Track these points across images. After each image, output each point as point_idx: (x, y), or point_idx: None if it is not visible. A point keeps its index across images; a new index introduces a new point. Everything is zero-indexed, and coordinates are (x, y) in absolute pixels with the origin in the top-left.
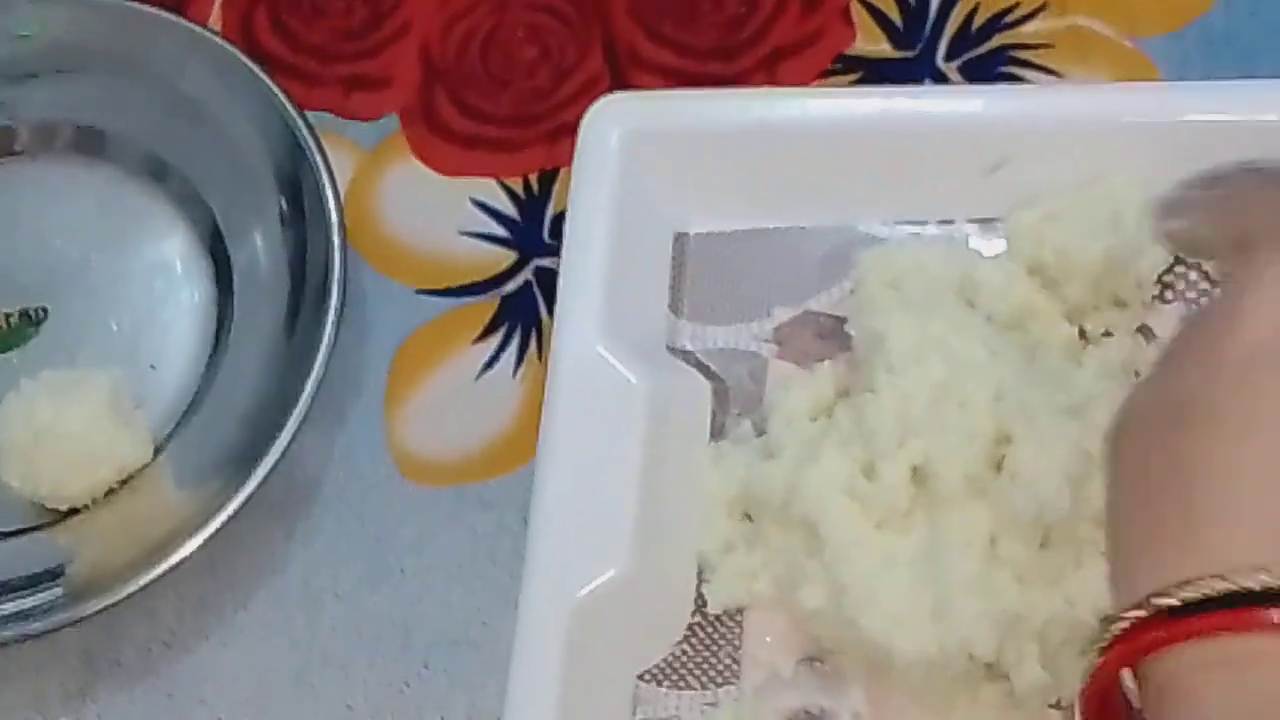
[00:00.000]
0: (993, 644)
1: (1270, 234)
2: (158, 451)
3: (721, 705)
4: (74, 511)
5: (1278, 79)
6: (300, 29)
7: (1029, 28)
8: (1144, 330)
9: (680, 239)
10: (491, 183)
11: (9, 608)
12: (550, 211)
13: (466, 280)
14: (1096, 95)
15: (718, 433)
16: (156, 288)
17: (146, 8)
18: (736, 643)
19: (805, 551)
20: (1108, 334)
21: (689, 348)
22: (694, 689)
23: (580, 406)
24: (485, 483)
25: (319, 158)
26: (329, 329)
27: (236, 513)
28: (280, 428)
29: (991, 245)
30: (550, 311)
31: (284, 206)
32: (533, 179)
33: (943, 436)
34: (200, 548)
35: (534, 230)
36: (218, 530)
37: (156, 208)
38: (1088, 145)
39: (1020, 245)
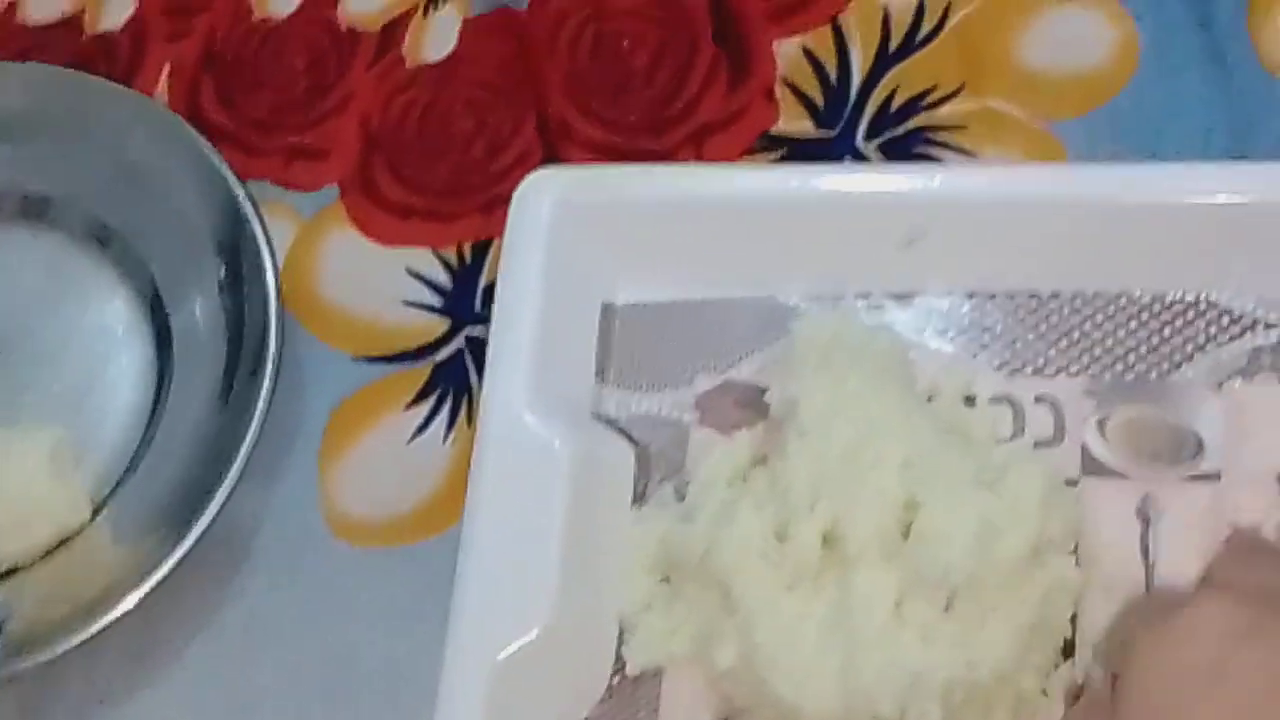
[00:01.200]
0: (896, 702)
1: None
2: (95, 511)
3: None
4: (11, 571)
5: (1180, 162)
6: (243, 100)
7: (944, 110)
8: (1047, 399)
9: (608, 309)
10: (427, 252)
11: None
12: (483, 281)
13: (401, 347)
14: (1005, 174)
15: (640, 497)
16: (98, 350)
17: (94, 77)
18: (655, 703)
19: (720, 611)
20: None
21: (614, 415)
22: None
23: (506, 471)
24: (416, 544)
25: (258, 226)
26: (264, 391)
27: (172, 570)
28: (215, 487)
29: (907, 319)
30: (481, 379)
31: (223, 272)
32: (466, 249)
33: (852, 498)
34: (136, 605)
35: (466, 299)
36: (154, 588)
37: (100, 272)
38: (997, 221)
39: None
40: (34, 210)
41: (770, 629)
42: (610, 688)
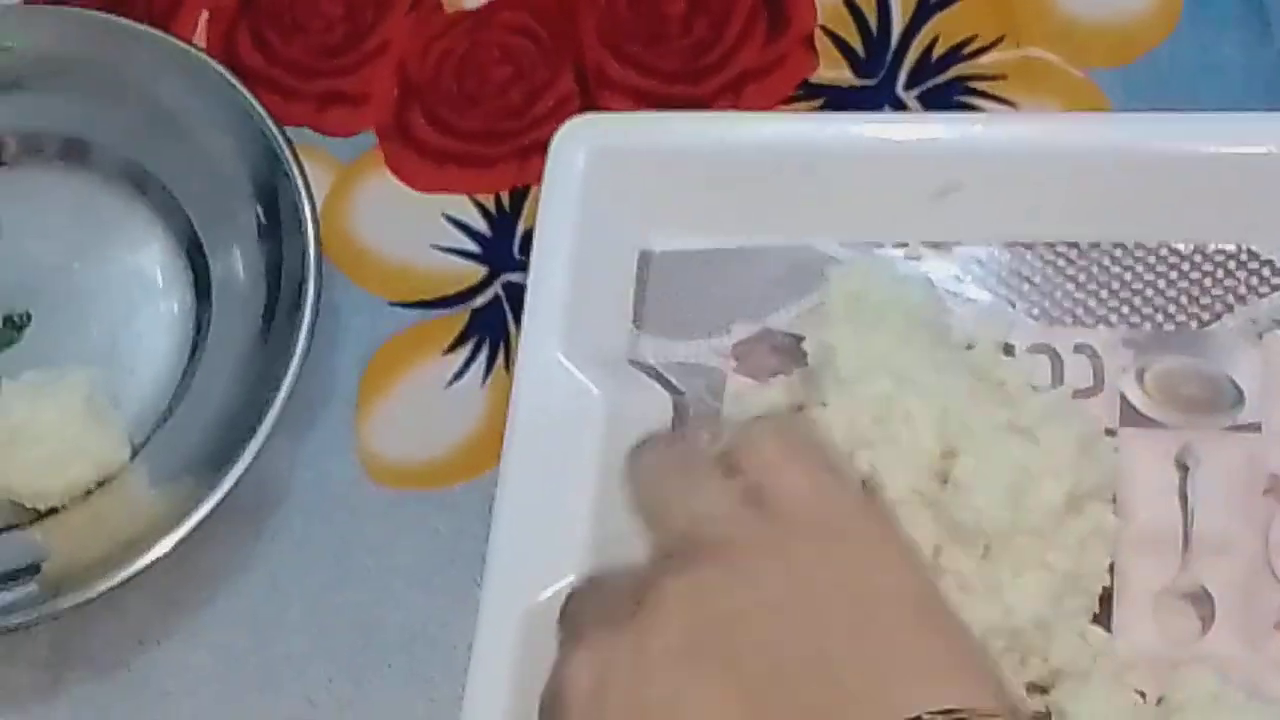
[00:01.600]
0: None
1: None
2: (134, 453)
3: None
4: (50, 510)
5: (1221, 112)
6: (280, 45)
7: (985, 59)
8: (1085, 349)
9: (644, 256)
10: (464, 199)
11: None
12: (520, 228)
13: (438, 293)
14: (1045, 123)
15: None
16: (136, 294)
17: (129, 22)
18: None
19: None
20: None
21: (650, 361)
22: None
23: (543, 416)
24: (450, 488)
25: (296, 171)
26: (302, 337)
27: (209, 514)
28: (253, 432)
29: (944, 267)
30: (518, 325)
31: (261, 218)
32: (504, 196)
33: (889, 449)
34: (171, 549)
35: (504, 246)
36: (190, 531)
37: (137, 217)
38: (1036, 172)
39: None
40: (72, 153)
41: None
42: None
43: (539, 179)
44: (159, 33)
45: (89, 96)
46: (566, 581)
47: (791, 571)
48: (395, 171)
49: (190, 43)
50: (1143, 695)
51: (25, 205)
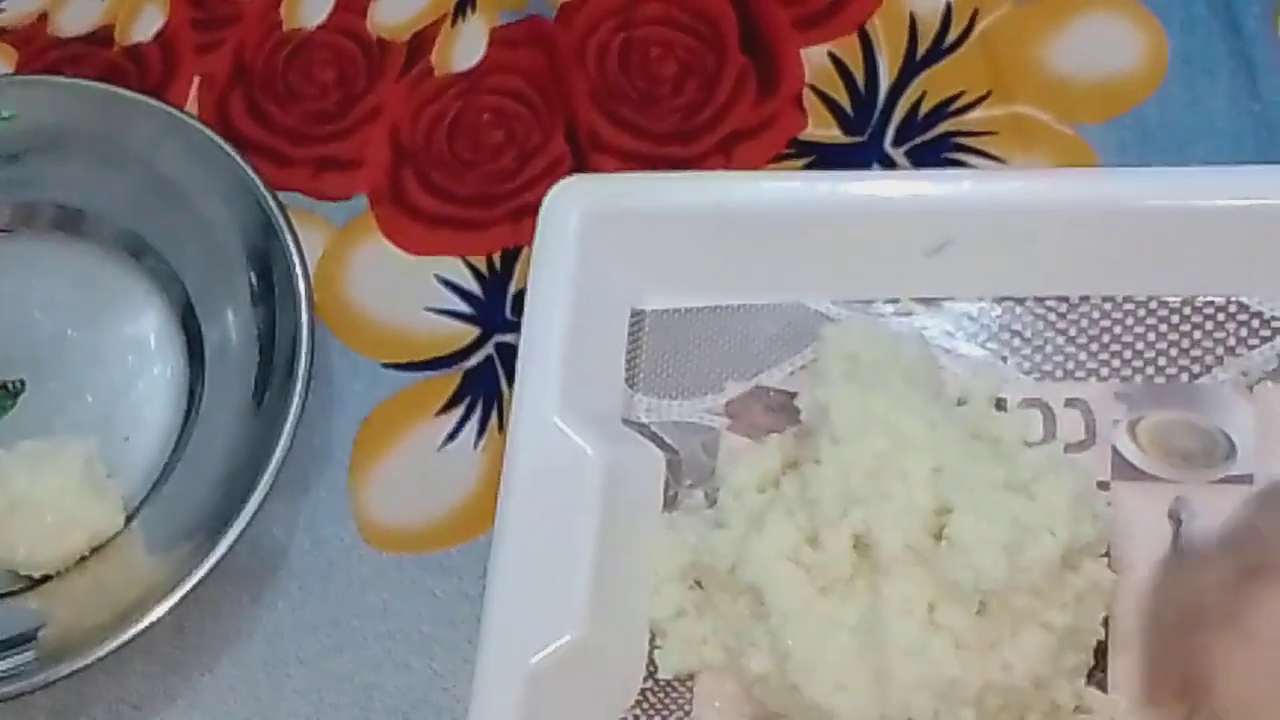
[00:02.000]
0: (931, 709)
1: None
2: (129, 520)
3: None
4: (47, 577)
5: (1210, 166)
6: (274, 112)
7: (973, 115)
8: (1078, 403)
9: (637, 315)
10: (456, 261)
11: None
12: (512, 289)
13: (431, 355)
14: (1034, 179)
15: (670, 503)
16: (131, 361)
17: (125, 91)
18: (687, 708)
19: (752, 618)
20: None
21: (644, 420)
22: None
23: (538, 476)
24: (447, 551)
25: (289, 236)
26: (296, 401)
27: (204, 579)
28: (247, 496)
29: (936, 323)
30: (511, 385)
31: (255, 283)
32: (496, 257)
33: (883, 506)
34: (168, 613)
35: (496, 307)
36: (185, 596)
37: (132, 284)
38: (1027, 227)
39: None
40: (68, 222)
41: (802, 635)
42: (643, 693)
43: (531, 240)
44: (155, 102)
45: (86, 166)
46: (563, 642)
47: None
48: (388, 235)
49: (185, 111)
50: None
51: (20, 274)
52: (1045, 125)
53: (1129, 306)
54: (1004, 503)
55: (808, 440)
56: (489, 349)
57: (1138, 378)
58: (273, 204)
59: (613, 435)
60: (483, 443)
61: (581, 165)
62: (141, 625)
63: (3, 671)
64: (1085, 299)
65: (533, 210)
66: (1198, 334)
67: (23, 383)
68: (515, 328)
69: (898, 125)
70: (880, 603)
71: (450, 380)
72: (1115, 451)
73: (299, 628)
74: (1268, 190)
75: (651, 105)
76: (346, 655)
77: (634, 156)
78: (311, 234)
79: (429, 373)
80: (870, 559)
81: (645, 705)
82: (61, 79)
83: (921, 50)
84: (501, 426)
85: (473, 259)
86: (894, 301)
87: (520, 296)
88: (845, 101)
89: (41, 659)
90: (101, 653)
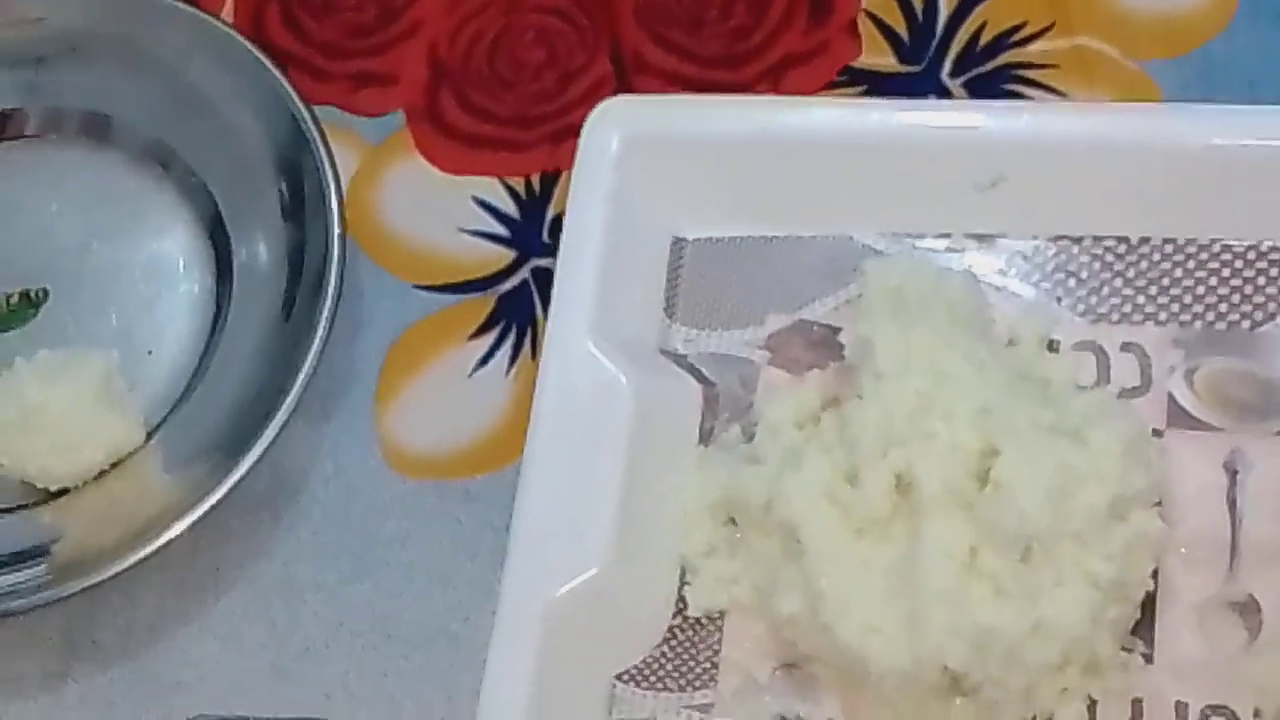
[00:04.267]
0: (965, 657)
1: None
2: (149, 436)
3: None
4: (62, 491)
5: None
6: (311, 24)
7: (1034, 47)
8: (1133, 348)
9: (677, 243)
10: (494, 182)
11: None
12: (550, 213)
13: (464, 277)
14: (1095, 114)
15: (705, 437)
16: (156, 274)
17: None
18: (716, 647)
19: (785, 557)
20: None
21: (681, 351)
22: (671, 691)
23: (569, 404)
24: (473, 478)
25: (323, 151)
26: (324, 320)
27: (223, 499)
28: (270, 417)
29: (988, 261)
30: (546, 312)
31: (286, 198)
32: (534, 180)
33: (926, 446)
34: (185, 532)
35: (533, 230)
36: (202, 516)
37: (160, 195)
38: (1085, 164)
39: None
40: (95, 130)
41: (836, 577)
42: (671, 630)
43: (571, 164)
44: (188, 8)
45: (114, 72)
46: (589, 575)
47: None
48: (424, 153)
49: (219, 19)
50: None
51: (45, 182)
52: (1109, 59)
53: (1191, 250)
54: (1052, 447)
55: (850, 377)
56: (524, 273)
57: (1197, 324)
58: (307, 118)
59: (648, 365)
60: (515, 369)
61: (625, 87)
62: (157, 544)
63: (14, 585)
64: (1145, 240)
65: (574, 132)
66: (1261, 280)
67: (46, 292)
68: (552, 252)
69: (956, 56)
70: (918, 546)
71: (484, 304)
72: (1171, 399)
73: (318, 553)
74: None
75: (699, 27)
76: (366, 583)
77: (679, 80)
78: (346, 150)
79: (462, 296)
80: (910, 500)
81: (673, 642)
82: None
83: None
84: (535, 353)
85: (511, 181)
86: (945, 236)
87: (558, 221)
88: (902, 29)
89: (54, 574)
90: (115, 570)
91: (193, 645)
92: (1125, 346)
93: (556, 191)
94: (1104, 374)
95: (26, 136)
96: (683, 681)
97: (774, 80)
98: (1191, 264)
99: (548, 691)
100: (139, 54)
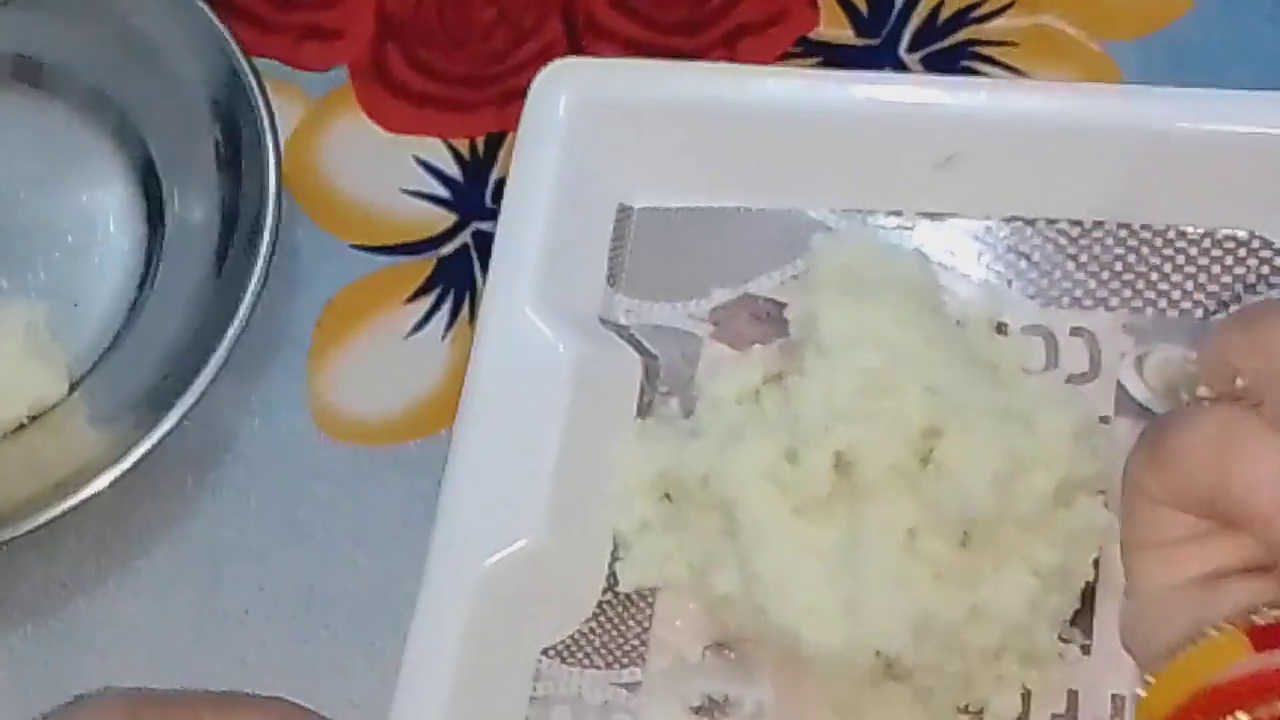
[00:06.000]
0: (901, 641)
1: None
2: (72, 388)
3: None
4: None
5: (1243, 91)
6: None
7: (995, 24)
8: (1083, 333)
9: (623, 211)
10: (437, 143)
11: None
12: (494, 176)
13: (404, 239)
14: (1055, 94)
15: (644, 410)
16: (86, 225)
17: None
18: (646, 624)
19: (721, 535)
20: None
21: (623, 321)
22: (598, 668)
23: (505, 372)
24: (404, 445)
25: (262, 104)
26: (257, 276)
27: (146, 456)
28: (199, 372)
29: (939, 240)
30: (485, 277)
31: (223, 150)
32: (479, 142)
33: (869, 425)
34: (107, 489)
35: (476, 193)
36: (125, 472)
37: (94, 143)
38: (1041, 144)
39: None
40: (28, 74)
41: (773, 556)
42: (600, 605)
43: (515, 125)
44: None
45: (50, 13)
46: (518, 547)
47: None
48: (367, 111)
49: None
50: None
51: None
52: (1072, 39)
53: (1145, 235)
54: (999, 430)
55: (794, 353)
56: (465, 236)
57: (1149, 310)
58: (247, 70)
59: (588, 334)
60: (452, 334)
61: (577, 50)
62: (77, 499)
63: None
64: (1099, 224)
65: (521, 95)
66: (1216, 268)
67: None
68: (494, 216)
69: (915, 30)
70: (858, 526)
71: (423, 267)
72: (1120, 386)
73: (244, 515)
74: None
75: None
76: (291, 548)
77: (634, 44)
78: (287, 105)
79: (401, 258)
80: (851, 480)
81: (602, 619)
82: None
83: None
84: (473, 319)
85: (455, 142)
86: (897, 214)
87: (502, 184)
88: (861, 1)
89: None
90: (32, 525)
91: (111, 605)
92: (1075, 331)
93: (501, 155)
94: (1052, 358)
95: None
96: (610, 659)
97: (729, 48)
98: (1145, 250)
99: (471, 664)
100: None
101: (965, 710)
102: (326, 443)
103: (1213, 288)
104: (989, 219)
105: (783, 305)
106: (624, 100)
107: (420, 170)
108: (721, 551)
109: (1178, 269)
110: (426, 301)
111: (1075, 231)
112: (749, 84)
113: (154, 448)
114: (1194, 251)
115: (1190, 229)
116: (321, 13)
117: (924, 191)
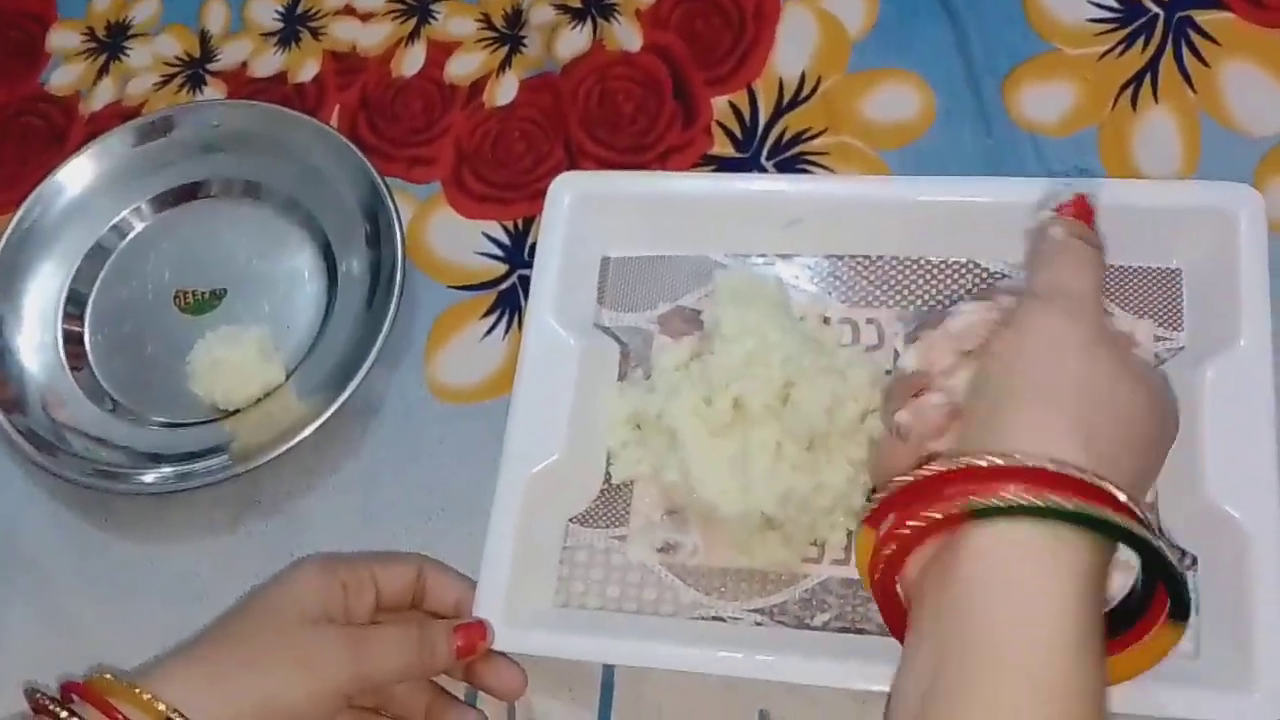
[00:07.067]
0: (776, 507)
1: None
2: (288, 377)
3: (620, 538)
4: (236, 410)
5: (958, 176)
6: (384, 126)
7: (816, 141)
8: (874, 322)
9: (605, 260)
10: (494, 224)
11: (199, 466)
12: (529, 242)
13: (477, 281)
14: (851, 182)
15: (622, 376)
16: (291, 279)
17: (291, 111)
18: (628, 500)
19: (669, 449)
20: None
21: (608, 324)
22: (601, 527)
23: (539, 358)
24: (481, 403)
25: (391, 204)
26: (393, 307)
27: (331, 416)
28: (359, 366)
29: (789, 270)
30: (526, 301)
31: (369, 234)
32: (519, 222)
33: (752, 381)
34: (309, 436)
35: (519, 252)
36: (320, 425)
37: (293, 232)
38: (846, 211)
39: None
40: (252, 191)
41: (699, 460)
42: (600, 492)
43: (540, 212)
44: (309, 118)
45: (264, 157)
46: (553, 459)
47: None
48: (453, 206)
49: (329, 125)
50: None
51: (223, 224)
52: (860, 150)
53: (908, 263)
54: (826, 381)
55: (708, 340)
56: (514, 279)
57: (911, 307)
58: (381, 184)
59: (588, 333)
60: (508, 337)
61: (573, 166)
62: (292, 442)
63: (208, 468)
64: (880, 257)
65: (542, 194)
66: (949, 281)
67: (225, 291)
68: (529, 266)
69: (770, 146)
70: (748, 441)
71: (488, 298)
72: (895, 353)
73: (389, 447)
74: (990, 192)
75: (617, 130)
76: (418, 467)
77: (605, 161)
78: (405, 205)
79: (476, 292)
80: (743, 414)
81: (601, 500)
82: (251, 102)
83: (786, 100)
84: (519, 327)
85: (505, 223)
86: (763, 256)
87: (533, 248)
88: (738, 131)
89: (232, 460)
90: (267, 459)
91: (316, 504)
92: (869, 321)
93: (533, 229)
94: (856, 337)
95: (211, 196)
96: (608, 521)
97: (662, 161)
98: (909, 271)
99: (527, 529)
100: (280, 146)
101: (814, 544)
102: (437, 403)
103: (948, 291)
104: (817, 256)
105: (699, 311)
106: (603, 194)
107: (485, 240)
108: (669, 458)
109: (927, 283)
110: (492, 318)
111: (866, 262)
112: (675, 182)
113: (336, 410)
114: (936, 272)
115: (933, 258)
116: (423, 149)
117: (779, 241)
